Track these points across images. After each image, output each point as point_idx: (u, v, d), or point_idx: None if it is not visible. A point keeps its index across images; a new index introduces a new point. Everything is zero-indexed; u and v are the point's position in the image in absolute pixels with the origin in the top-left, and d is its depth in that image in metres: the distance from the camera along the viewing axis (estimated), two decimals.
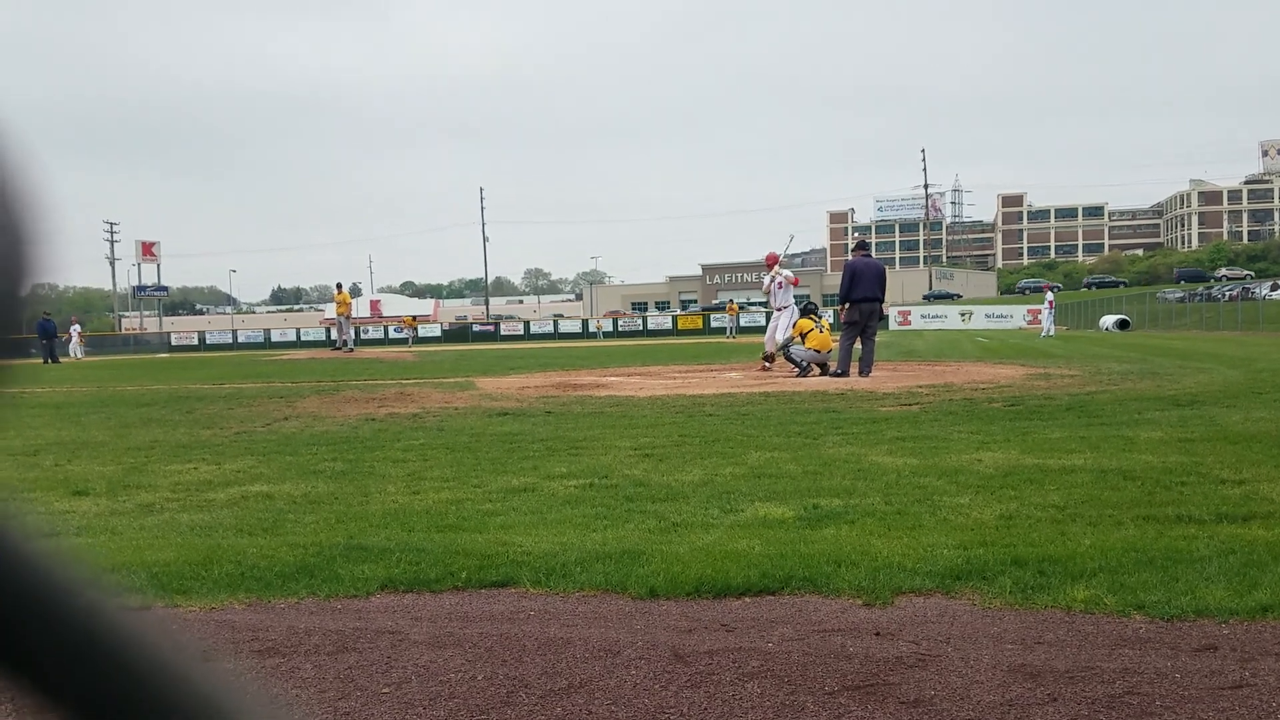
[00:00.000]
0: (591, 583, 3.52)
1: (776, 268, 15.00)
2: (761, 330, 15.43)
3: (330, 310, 30.06)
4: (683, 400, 10.32)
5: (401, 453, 6.97)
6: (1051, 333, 34.97)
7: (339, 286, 30.36)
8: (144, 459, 7.16)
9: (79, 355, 41.36)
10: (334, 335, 29.22)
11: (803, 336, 13.66)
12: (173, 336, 67.78)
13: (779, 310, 14.84)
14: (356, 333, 43.60)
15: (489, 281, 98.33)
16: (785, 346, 13.96)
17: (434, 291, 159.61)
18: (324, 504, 5.18)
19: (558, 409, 9.81)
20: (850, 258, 13.73)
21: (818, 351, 13.57)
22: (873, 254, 14.08)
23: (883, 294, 13.34)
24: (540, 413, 9.50)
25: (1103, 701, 2.45)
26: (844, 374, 13.00)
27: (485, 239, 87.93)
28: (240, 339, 66.94)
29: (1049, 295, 37.58)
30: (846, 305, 13.27)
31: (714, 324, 57.73)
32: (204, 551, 4.05)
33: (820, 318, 14.04)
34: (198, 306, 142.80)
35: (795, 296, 15.03)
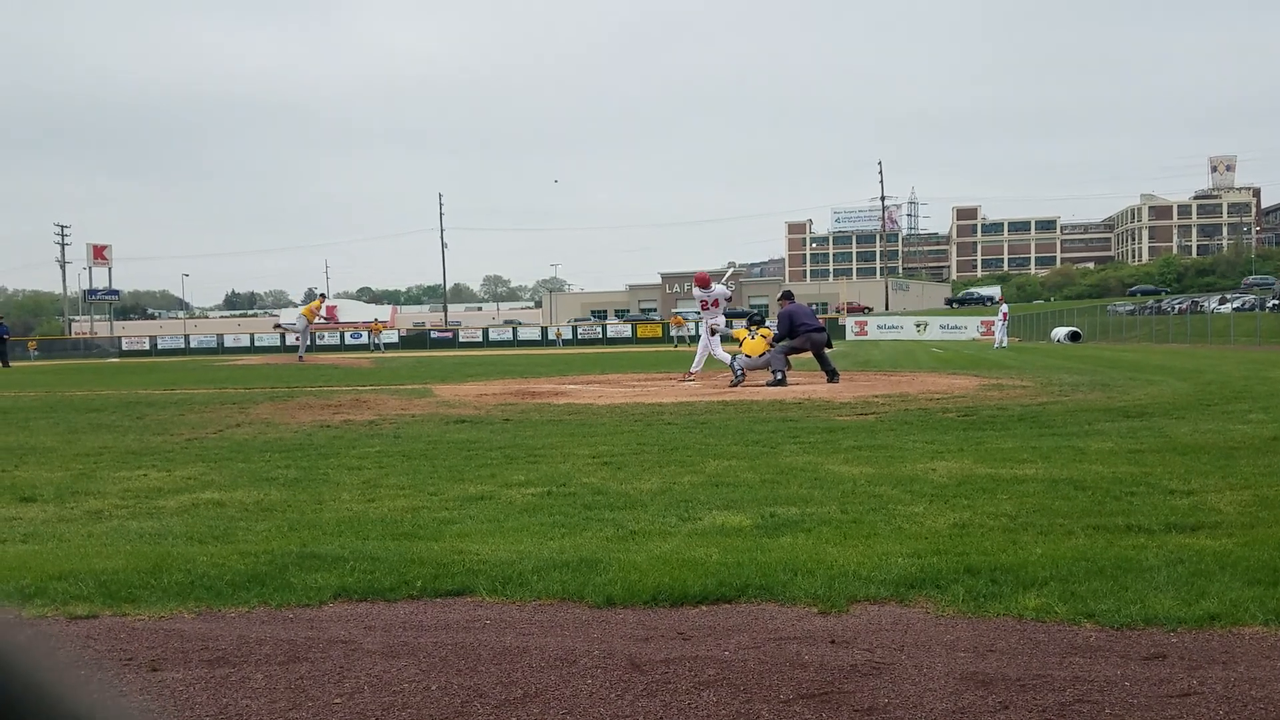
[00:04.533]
0: (548, 591, 3.49)
1: (714, 284, 15.39)
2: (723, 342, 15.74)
3: (292, 315, 29.24)
4: (641, 408, 10.32)
5: (357, 460, 6.89)
6: (1005, 344, 35.52)
7: (318, 295, 29.87)
8: (93, 465, 6.99)
9: None
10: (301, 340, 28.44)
11: (739, 344, 14.62)
12: (124, 341, 66.48)
13: (711, 325, 15.24)
14: (312, 339, 42.98)
15: (448, 288, 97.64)
16: (734, 355, 14.34)
17: (391, 297, 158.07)
18: (277, 512, 5.09)
19: (516, 416, 9.76)
20: (781, 306, 14.94)
21: (749, 357, 14.44)
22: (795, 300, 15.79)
23: (824, 325, 15.12)
24: (498, 420, 9.45)
25: (1053, 709, 2.48)
26: (782, 381, 13.66)
27: (444, 245, 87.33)
28: (193, 344, 65.86)
29: (1003, 307, 38.18)
30: (793, 337, 14.48)
31: (674, 333, 57.92)
32: (153, 559, 3.96)
33: (762, 325, 14.89)
34: (149, 311, 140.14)
35: (754, 306, 15.69)
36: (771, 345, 14.30)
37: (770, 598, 3.39)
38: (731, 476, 5.85)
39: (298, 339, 27.75)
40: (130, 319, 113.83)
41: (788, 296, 15.44)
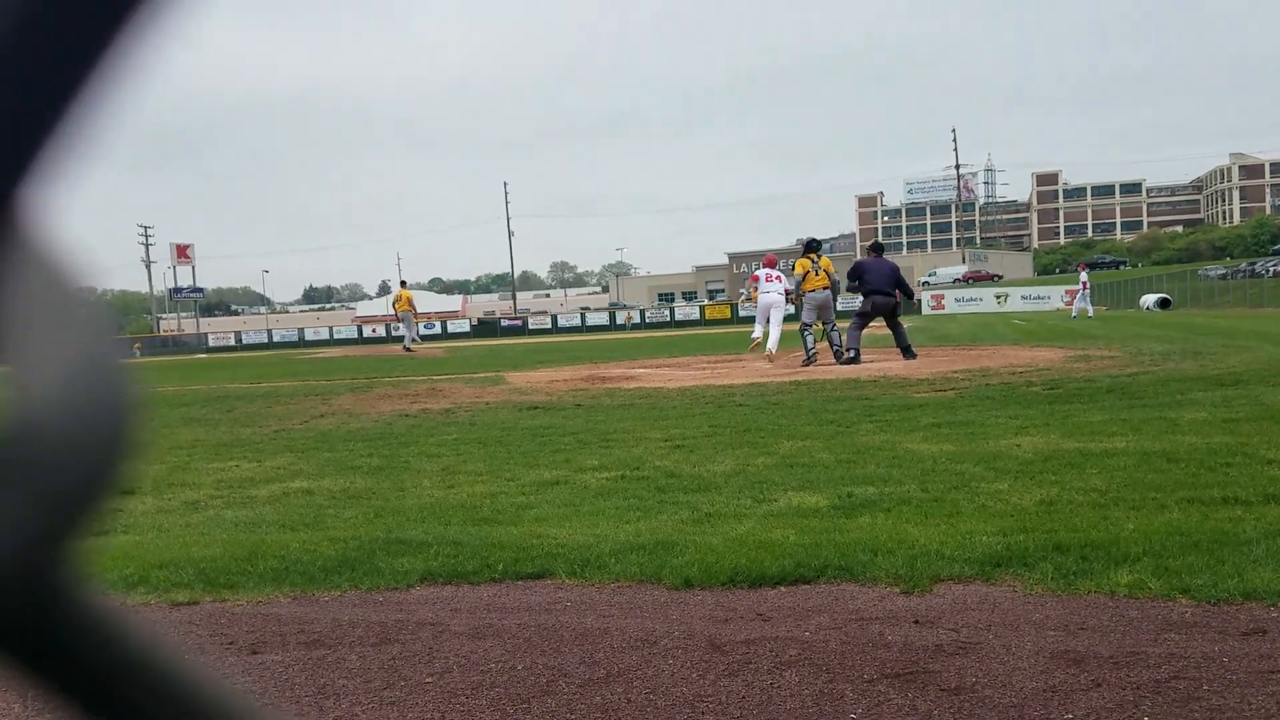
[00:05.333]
0: (626, 573, 3.53)
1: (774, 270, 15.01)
2: (788, 319, 15.29)
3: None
4: (712, 391, 10.31)
5: (435, 447, 7.03)
6: (1090, 313, 34.44)
7: (400, 283, 30.54)
8: (187, 458, 7.27)
9: None
10: (402, 332, 29.18)
11: (803, 277, 13.67)
12: (210, 337, 68.70)
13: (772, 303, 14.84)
14: (387, 329, 43.88)
15: (515, 276, 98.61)
16: (805, 326, 13.82)
17: (462, 287, 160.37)
18: (362, 499, 5.24)
19: (587, 402, 9.84)
20: (863, 258, 14.18)
21: (814, 292, 13.54)
22: (884, 256, 14.63)
23: (895, 290, 13.60)
24: (570, 406, 9.54)
25: (1148, 686, 2.42)
26: (856, 358, 13.14)
27: (510, 234, 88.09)
28: (275, 338, 67.67)
29: (1082, 275, 37.00)
30: (861, 296, 13.70)
31: (742, 314, 57.54)
32: (249, 547, 4.11)
33: (820, 256, 13.91)
34: (233, 307, 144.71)
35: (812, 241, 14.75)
36: (830, 287, 13.57)
37: (850, 578, 3.37)
38: (806, 457, 5.81)
39: (405, 330, 28.37)
40: (215, 315, 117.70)
41: (876, 249, 14.43)
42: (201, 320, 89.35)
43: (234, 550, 4.06)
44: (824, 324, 13.63)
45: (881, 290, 13.44)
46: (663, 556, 3.67)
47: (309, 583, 3.59)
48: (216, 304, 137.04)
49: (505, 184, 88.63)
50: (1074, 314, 34.02)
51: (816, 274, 13.60)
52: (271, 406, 11.26)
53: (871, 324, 14.04)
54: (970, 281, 73.84)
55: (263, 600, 3.46)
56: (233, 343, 66.71)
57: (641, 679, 2.64)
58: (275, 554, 3.95)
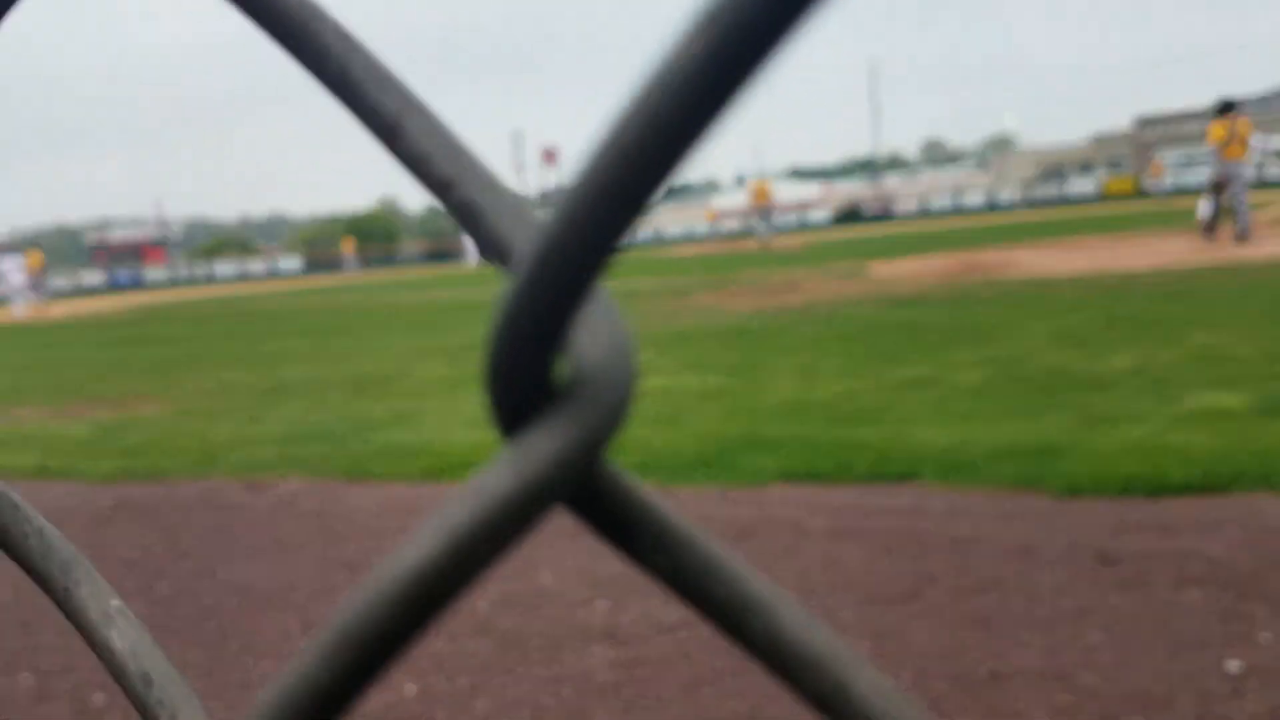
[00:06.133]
0: (1001, 479, 3.32)
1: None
2: (1198, 191, 13.19)
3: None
4: (1110, 277, 9.25)
5: (792, 344, 7.02)
6: None
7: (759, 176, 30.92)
8: None
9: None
10: (755, 228, 29.72)
11: (1219, 145, 11.61)
12: None
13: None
14: (743, 224, 44.50)
15: (879, 158, 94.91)
16: (1213, 196, 11.75)
17: (822, 174, 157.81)
18: (719, 397, 5.37)
19: (959, 293, 9.28)
20: None
21: (1229, 161, 11.47)
22: None
23: None
24: (939, 298, 9.05)
25: None
26: None
27: (874, 112, 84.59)
28: (639, 235, 71.61)
29: None
30: None
31: (1147, 189, 50.80)
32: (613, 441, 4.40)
33: (1238, 119, 11.68)
34: None
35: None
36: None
37: (1270, 488, 2.96)
38: (1222, 351, 5.06)
39: (761, 224, 28.78)
40: None
41: None
42: None
43: None
44: (1233, 197, 11.64)
45: None
46: (1045, 462, 3.40)
47: (671, 476, 3.76)
48: None
49: (871, 58, 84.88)
50: None
51: (1234, 140, 11.62)
52: (631, 304, 11.91)
53: None
54: None
55: None
56: None
57: (1019, 589, 2.46)
58: (639, 448, 4.17)
